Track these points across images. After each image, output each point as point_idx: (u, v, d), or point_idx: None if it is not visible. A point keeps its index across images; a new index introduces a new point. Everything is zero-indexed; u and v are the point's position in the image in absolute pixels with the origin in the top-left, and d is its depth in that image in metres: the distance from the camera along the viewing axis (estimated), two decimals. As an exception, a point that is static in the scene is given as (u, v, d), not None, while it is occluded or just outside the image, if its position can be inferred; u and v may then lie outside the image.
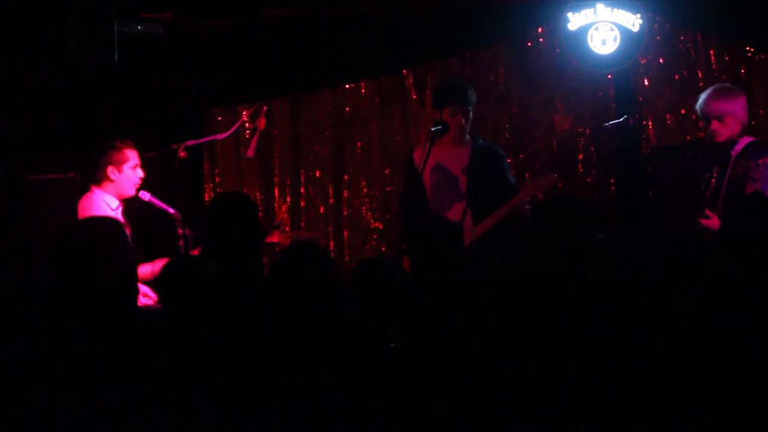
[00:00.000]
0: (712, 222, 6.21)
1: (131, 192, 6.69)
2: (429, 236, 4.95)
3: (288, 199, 8.70)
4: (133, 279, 4.19)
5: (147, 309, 5.99)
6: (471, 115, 6.87)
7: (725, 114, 6.39)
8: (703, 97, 6.51)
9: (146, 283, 6.46)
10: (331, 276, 3.91)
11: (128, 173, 6.67)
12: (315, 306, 3.78)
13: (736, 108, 6.43)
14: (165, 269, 4.10)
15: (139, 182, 6.72)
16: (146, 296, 6.46)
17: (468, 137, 6.91)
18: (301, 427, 3.43)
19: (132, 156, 6.68)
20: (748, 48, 8.08)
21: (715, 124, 6.42)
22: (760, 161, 6.26)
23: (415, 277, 4.68)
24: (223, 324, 3.81)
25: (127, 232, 6.58)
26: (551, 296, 3.56)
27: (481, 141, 6.96)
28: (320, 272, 3.93)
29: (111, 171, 6.63)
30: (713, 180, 6.39)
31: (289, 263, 4.05)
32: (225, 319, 3.84)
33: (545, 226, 4.40)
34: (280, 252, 4.69)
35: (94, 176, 6.68)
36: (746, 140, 6.40)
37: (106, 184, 6.65)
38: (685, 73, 8.18)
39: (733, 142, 6.38)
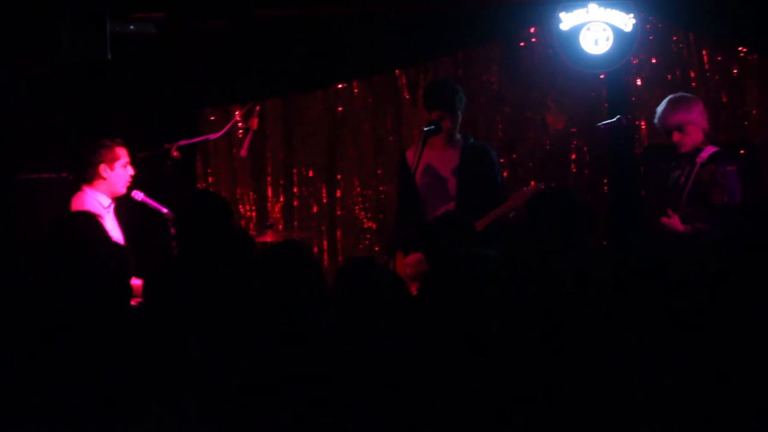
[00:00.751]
0: (674, 221, 6.31)
1: (123, 190, 6.72)
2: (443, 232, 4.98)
3: (281, 199, 8.70)
4: (120, 272, 4.21)
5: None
6: (459, 118, 6.83)
7: (685, 124, 6.50)
8: (659, 110, 6.63)
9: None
10: (313, 275, 3.91)
11: (120, 171, 6.70)
12: (296, 306, 3.78)
13: (694, 116, 6.53)
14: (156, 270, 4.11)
15: (130, 180, 6.75)
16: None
17: (458, 136, 6.89)
18: (287, 427, 3.44)
19: (123, 154, 6.71)
20: (740, 48, 8.09)
21: (676, 136, 6.53)
22: (728, 168, 6.34)
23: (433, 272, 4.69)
24: (206, 323, 3.81)
25: (119, 231, 6.69)
26: (547, 291, 3.55)
27: (472, 140, 6.94)
28: (302, 272, 3.94)
29: (103, 169, 6.65)
30: (682, 179, 6.45)
31: (272, 263, 4.07)
32: (209, 318, 3.84)
33: (541, 217, 4.41)
34: (263, 252, 4.68)
35: (86, 175, 6.69)
36: (711, 149, 6.51)
37: (98, 183, 6.67)
38: (677, 73, 8.18)
39: (698, 149, 6.47)
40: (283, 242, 4.41)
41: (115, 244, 5.55)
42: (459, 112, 6.81)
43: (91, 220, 4.43)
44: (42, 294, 3.95)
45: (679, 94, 6.83)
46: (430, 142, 6.74)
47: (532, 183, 6.95)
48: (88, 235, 4.29)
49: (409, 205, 6.83)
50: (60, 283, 3.98)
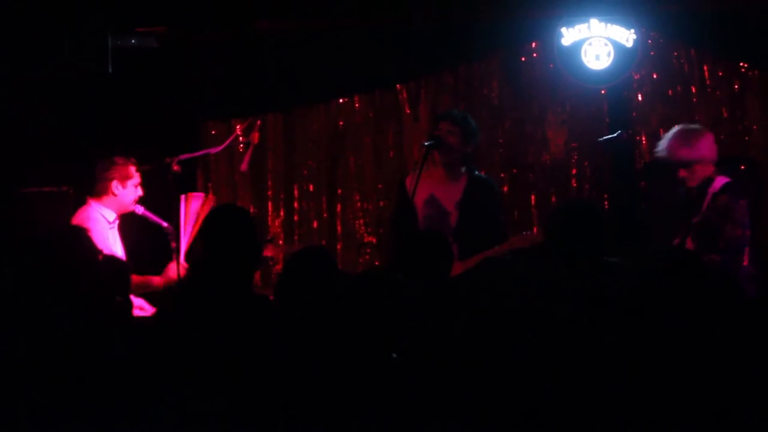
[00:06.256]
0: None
1: (130, 208, 6.78)
2: (420, 250, 4.94)
3: (281, 213, 8.69)
4: (119, 285, 4.23)
5: (141, 319, 6.05)
6: (467, 144, 6.70)
7: (692, 161, 6.28)
8: (666, 141, 6.41)
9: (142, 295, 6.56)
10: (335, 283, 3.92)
11: (131, 190, 6.77)
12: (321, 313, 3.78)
13: (703, 152, 6.29)
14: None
15: (137, 199, 6.78)
16: (142, 309, 6.47)
17: (463, 169, 6.77)
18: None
19: (136, 174, 6.77)
20: (741, 63, 8.09)
21: (682, 172, 6.31)
22: (741, 202, 6.22)
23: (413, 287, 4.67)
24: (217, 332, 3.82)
25: (122, 245, 6.72)
26: (557, 306, 3.54)
27: (476, 173, 6.81)
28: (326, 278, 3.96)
29: (115, 186, 6.70)
30: (693, 208, 6.33)
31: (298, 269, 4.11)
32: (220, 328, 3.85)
33: (564, 233, 4.37)
34: (290, 257, 4.73)
35: (96, 189, 6.73)
36: (723, 180, 6.29)
37: (107, 198, 6.71)
38: (678, 88, 8.19)
39: (709, 179, 6.30)
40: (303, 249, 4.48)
41: (111, 257, 5.56)
42: (468, 137, 6.70)
43: (79, 233, 4.44)
44: (34, 305, 3.95)
45: (687, 127, 6.56)
46: (434, 173, 6.67)
47: (535, 229, 6.83)
48: (75, 247, 4.31)
49: (406, 230, 6.71)
50: (45, 296, 4.00)
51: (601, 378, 3.35)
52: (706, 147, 6.35)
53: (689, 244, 6.25)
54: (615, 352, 3.45)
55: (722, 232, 6.15)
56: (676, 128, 6.52)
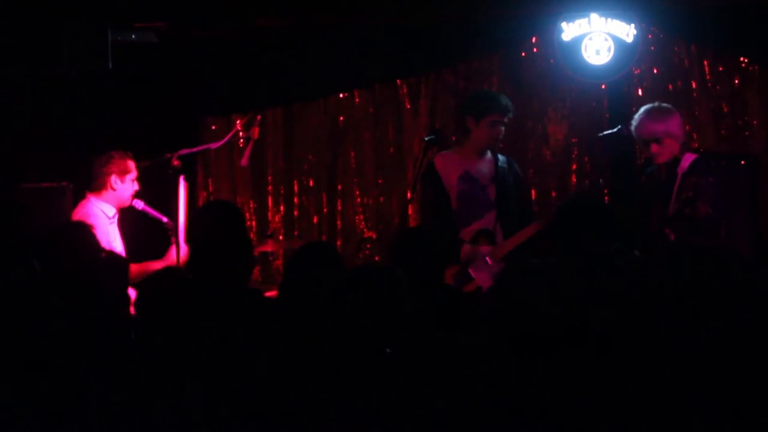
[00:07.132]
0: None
1: (128, 202, 6.79)
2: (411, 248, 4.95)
3: (281, 209, 8.69)
4: (117, 280, 4.24)
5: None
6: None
7: (662, 136, 6.43)
8: (636, 120, 6.56)
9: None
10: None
11: (128, 184, 6.78)
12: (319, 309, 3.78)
13: (672, 127, 6.45)
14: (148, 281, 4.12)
15: (134, 194, 6.79)
16: None
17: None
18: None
19: (133, 168, 6.81)
20: (741, 58, 8.09)
21: (654, 147, 6.46)
22: (710, 180, 6.28)
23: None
24: (203, 328, 3.82)
25: (121, 241, 6.71)
26: (565, 303, 3.53)
27: (500, 154, 6.92)
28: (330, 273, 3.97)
29: (114, 180, 6.71)
30: (665, 192, 6.40)
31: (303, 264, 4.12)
32: (205, 324, 3.85)
33: (573, 228, 4.37)
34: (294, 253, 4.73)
35: (95, 183, 6.73)
36: (691, 157, 6.42)
37: (106, 193, 6.72)
38: (679, 83, 8.18)
39: (676, 159, 6.41)
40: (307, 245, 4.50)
41: (111, 253, 5.57)
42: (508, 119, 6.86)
43: (84, 229, 4.45)
44: (38, 300, 3.96)
45: (657, 104, 6.71)
46: (463, 151, 6.80)
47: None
48: (80, 244, 4.32)
49: (445, 214, 6.75)
50: (52, 290, 4.01)
51: (613, 374, 3.34)
52: (675, 124, 6.49)
53: (670, 228, 6.30)
54: (626, 347, 3.44)
55: (695, 212, 6.22)
56: (644, 107, 6.66)
